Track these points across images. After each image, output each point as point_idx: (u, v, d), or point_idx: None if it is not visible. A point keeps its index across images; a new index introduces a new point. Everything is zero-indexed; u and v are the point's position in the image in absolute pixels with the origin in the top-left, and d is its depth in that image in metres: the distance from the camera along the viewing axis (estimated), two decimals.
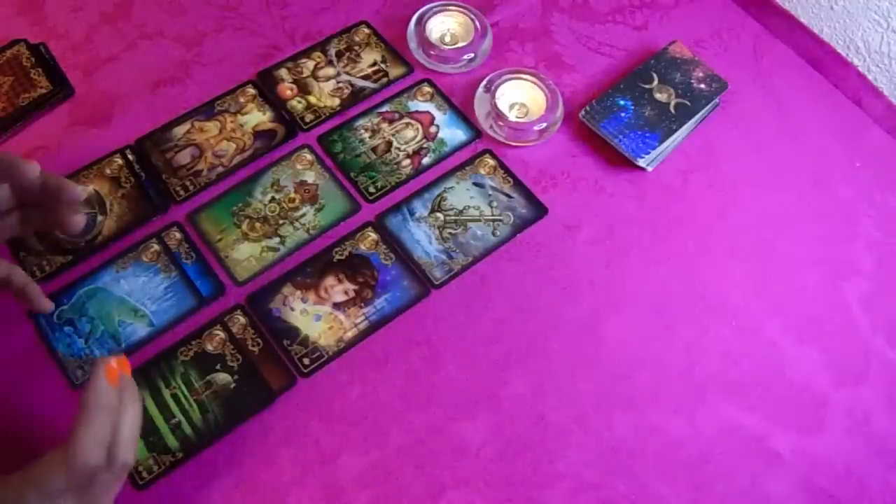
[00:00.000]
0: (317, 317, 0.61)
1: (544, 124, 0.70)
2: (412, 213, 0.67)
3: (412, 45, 0.75)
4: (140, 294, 0.61)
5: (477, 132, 0.71)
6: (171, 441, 0.55)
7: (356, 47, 0.76)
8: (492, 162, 0.70)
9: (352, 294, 0.62)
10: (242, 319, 0.60)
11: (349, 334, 0.61)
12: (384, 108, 0.72)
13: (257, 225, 0.65)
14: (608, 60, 0.78)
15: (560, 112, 0.71)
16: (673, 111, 0.71)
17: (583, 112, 0.71)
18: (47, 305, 0.58)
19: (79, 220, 0.52)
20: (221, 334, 0.60)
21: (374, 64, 0.75)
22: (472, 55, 0.75)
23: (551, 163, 0.71)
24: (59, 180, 0.50)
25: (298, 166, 0.68)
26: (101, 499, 0.43)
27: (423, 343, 0.61)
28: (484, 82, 0.72)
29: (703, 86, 0.73)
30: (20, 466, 0.42)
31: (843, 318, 0.65)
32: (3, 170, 0.49)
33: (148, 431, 0.56)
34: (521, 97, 0.72)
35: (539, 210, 0.67)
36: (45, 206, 0.52)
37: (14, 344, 0.59)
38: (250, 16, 0.78)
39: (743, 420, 0.59)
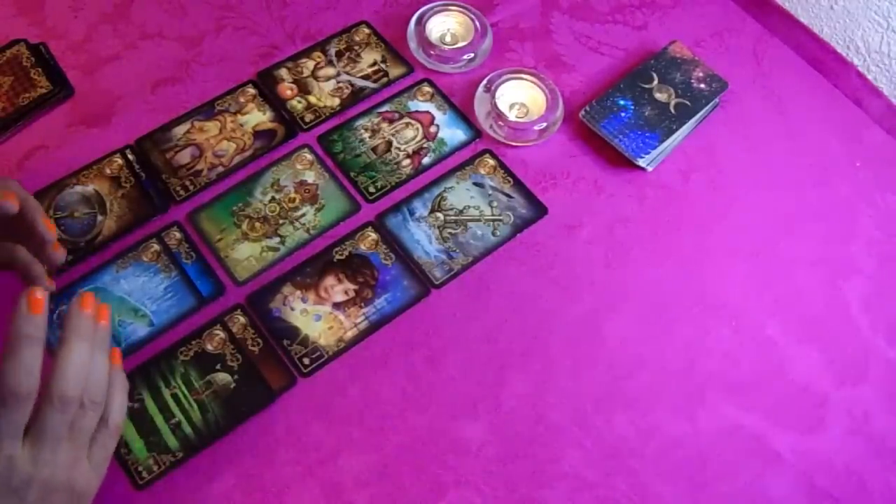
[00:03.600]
0: (317, 317, 0.61)
1: (544, 124, 0.70)
2: (412, 213, 0.67)
3: (412, 45, 0.75)
4: (140, 294, 0.61)
5: (477, 132, 0.71)
6: (171, 441, 0.55)
7: (356, 47, 0.76)
8: (492, 162, 0.70)
9: (352, 294, 0.62)
10: (242, 319, 0.60)
11: (349, 334, 0.61)
12: (384, 108, 0.72)
13: (257, 225, 0.65)
14: (608, 60, 0.78)
15: (560, 112, 0.71)
16: (673, 111, 0.71)
17: (583, 112, 0.71)
18: (51, 286, 0.56)
19: (59, 256, 0.53)
20: (221, 334, 0.60)
21: (374, 64, 0.75)
22: (472, 55, 0.75)
23: (551, 163, 0.71)
24: (34, 216, 0.50)
25: (298, 166, 0.68)
26: (61, 443, 0.43)
27: (423, 343, 0.61)
28: (484, 82, 0.72)
29: (703, 86, 0.73)
30: None
31: (843, 317, 0.65)
32: None
33: (148, 431, 0.56)
34: (521, 97, 0.73)
35: (539, 210, 0.67)
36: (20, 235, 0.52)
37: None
38: (250, 16, 0.78)
39: (743, 420, 0.59)
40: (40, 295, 0.42)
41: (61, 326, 0.44)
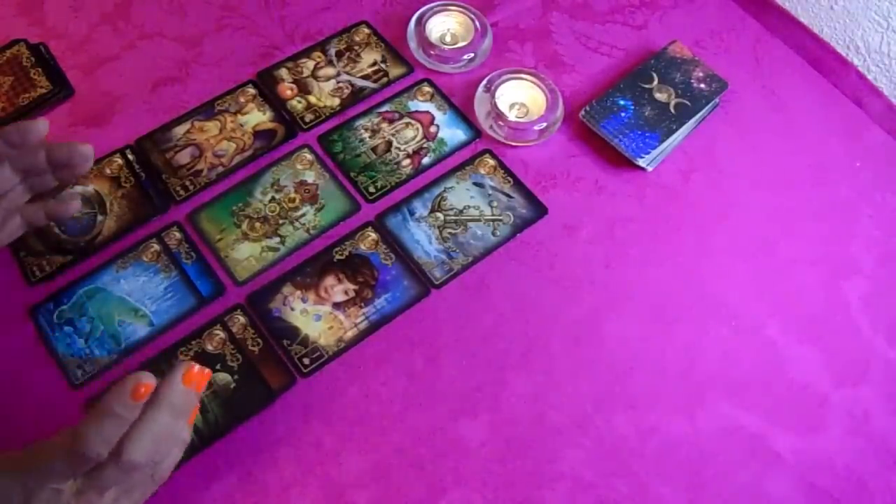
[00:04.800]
0: (317, 317, 0.61)
1: (544, 124, 0.70)
2: (412, 213, 0.67)
3: (412, 45, 0.75)
4: (140, 294, 0.61)
5: (477, 132, 0.71)
6: None
7: (356, 47, 0.76)
8: (492, 162, 0.70)
9: (352, 294, 0.62)
10: (242, 319, 0.60)
11: (349, 334, 0.61)
12: (384, 108, 0.72)
13: (257, 225, 0.65)
14: (608, 60, 0.78)
15: (560, 112, 0.71)
16: (673, 111, 0.71)
17: (583, 112, 0.71)
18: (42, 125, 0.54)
19: (76, 205, 0.55)
20: (221, 334, 0.60)
21: (374, 64, 0.75)
22: (472, 55, 0.75)
23: (551, 163, 0.71)
24: (66, 145, 0.52)
25: (298, 166, 0.68)
26: (109, 488, 0.42)
27: (423, 343, 0.61)
28: (484, 82, 0.72)
29: (703, 86, 0.73)
30: None
31: (843, 317, 0.65)
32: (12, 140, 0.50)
33: None
34: (521, 97, 0.72)
35: (539, 210, 0.67)
36: (48, 189, 0.53)
37: (14, 343, 0.59)
38: (250, 16, 0.78)
39: (743, 420, 0.59)
40: (146, 386, 0.41)
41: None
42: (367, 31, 0.77)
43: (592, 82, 0.76)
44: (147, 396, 0.41)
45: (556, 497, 0.55)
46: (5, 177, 0.52)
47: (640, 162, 0.69)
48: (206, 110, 0.71)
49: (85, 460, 0.40)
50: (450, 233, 0.66)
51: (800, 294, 0.65)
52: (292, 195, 0.67)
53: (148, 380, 0.41)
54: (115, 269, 0.62)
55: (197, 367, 0.42)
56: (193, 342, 0.59)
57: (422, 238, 0.65)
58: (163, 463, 0.44)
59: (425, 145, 0.70)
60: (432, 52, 0.74)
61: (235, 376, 0.58)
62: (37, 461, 0.41)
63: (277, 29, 0.77)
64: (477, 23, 0.75)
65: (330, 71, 0.74)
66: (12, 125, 0.51)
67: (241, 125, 0.70)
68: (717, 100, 0.73)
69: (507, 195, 0.68)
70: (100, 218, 0.64)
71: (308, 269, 0.63)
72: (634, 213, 0.68)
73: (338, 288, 0.63)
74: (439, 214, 0.67)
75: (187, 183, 0.67)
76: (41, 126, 0.51)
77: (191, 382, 0.42)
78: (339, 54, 0.75)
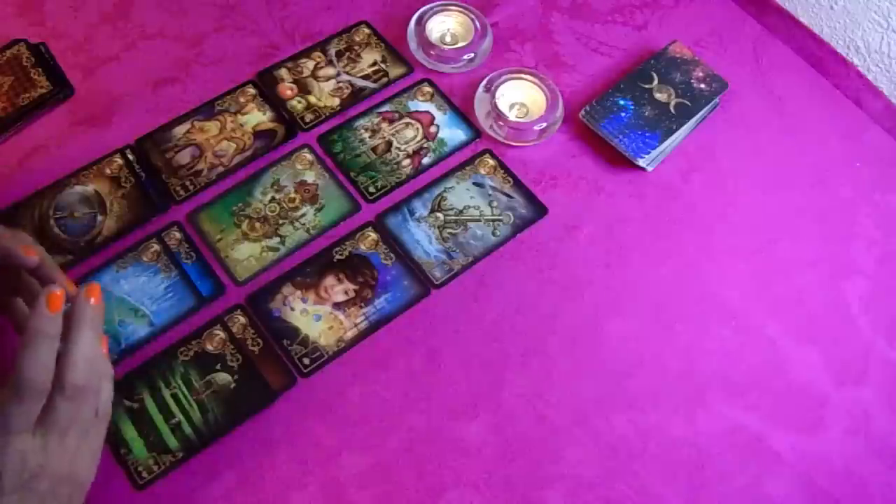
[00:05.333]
0: (317, 317, 0.61)
1: (544, 124, 0.70)
2: (412, 213, 0.67)
3: (412, 45, 0.75)
4: (140, 294, 0.61)
5: (477, 132, 0.71)
6: (171, 441, 0.55)
7: (356, 47, 0.76)
8: (492, 162, 0.70)
9: (352, 294, 0.62)
10: (242, 319, 0.60)
11: (349, 334, 0.61)
12: (384, 108, 0.72)
13: (257, 225, 0.65)
14: (608, 60, 0.78)
15: (560, 112, 0.71)
16: (673, 111, 0.71)
17: (583, 112, 0.71)
18: (32, 262, 0.51)
19: (33, 258, 0.49)
20: (221, 334, 0.60)
21: (374, 64, 0.75)
22: (472, 55, 0.75)
23: (551, 163, 0.71)
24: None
25: (298, 166, 0.68)
26: (67, 433, 0.44)
27: (423, 343, 0.61)
28: (484, 82, 0.72)
29: (703, 86, 0.73)
30: None
31: (843, 318, 0.65)
32: None
33: (148, 431, 0.56)
34: (521, 97, 0.72)
35: (539, 210, 0.67)
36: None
37: (14, 343, 0.59)
38: (250, 16, 0.78)
39: (743, 420, 0.59)
40: (59, 293, 0.43)
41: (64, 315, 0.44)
42: (367, 31, 0.77)
43: (592, 82, 0.76)
44: (62, 305, 0.43)
45: (556, 497, 0.55)
46: None
47: (640, 162, 0.69)
48: (206, 110, 0.71)
49: (32, 392, 0.41)
50: (450, 233, 0.66)
51: (800, 294, 0.65)
52: (292, 195, 0.67)
53: (55, 289, 0.43)
54: (115, 269, 0.62)
55: (56, 288, 0.44)
56: (193, 342, 0.59)
57: (422, 238, 0.65)
58: (101, 395, 0.46)
59: (425, 145, 0.70)
60: (432, 52, 0.74)
61: (235, 376, 0.58)
62: None
63: (277, 29, 0.77)
64: (477, 23, 0.75)
65: (330, 71, 0.74)
66: (12, 242, 0.48)
67: (241, 125, 0.70)
68: (717, 100, 0.73)
69: (507, 195, 0.68)
70: (100, 218, 0.64)
71: (308, 270, 0.63)
72: (634, 213, 0.68)
73: (338, 288, 0.63)
74: (439, 214, 0.67)
75: (187, 183, 0.67)
76: (29, 262, 0.48)
77: (91, 295, 0.45)
78: (339, 54, 0.75)
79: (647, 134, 0.70)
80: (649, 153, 0.69)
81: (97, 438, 0.47)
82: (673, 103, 0.72)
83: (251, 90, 0.72)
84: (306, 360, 0.59)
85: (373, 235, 0.65)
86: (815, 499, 0.57)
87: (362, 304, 0.62)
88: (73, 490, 0.45)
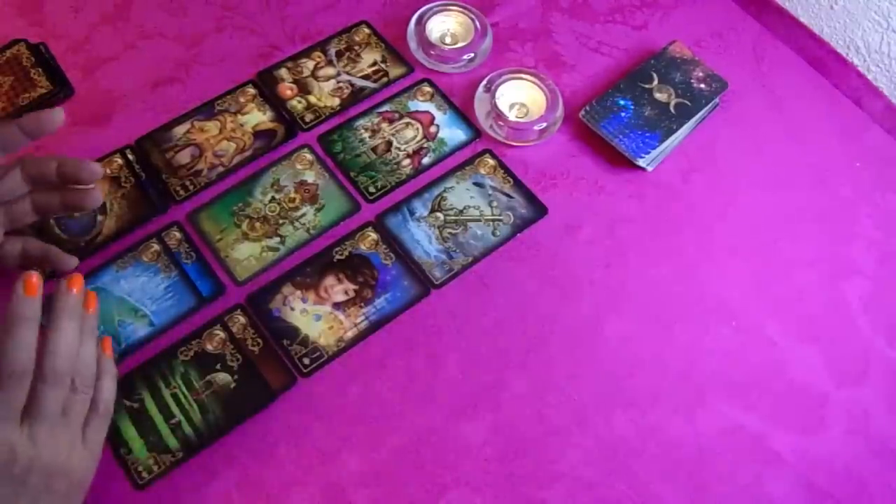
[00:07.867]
0: (317, 317, 0.61)
1: (544, 124, 0.70)
2: (412, 213, 0.67)
3: (412, 45, 0.75)
4: (140, 294, 0.61)
5: (477, 132, 0.71)
6: (171, 441, 0.55)
7: (356, 47, 0.76)
8: (492, 162, 0.70)
9: (352, 294, 0.62)
10: (242, 319, 0.60)
11: (349, 334, 0.61)
12: (384, 108, 0.72)
13: (257, 225, 0.65)
14: (608, 60, 0.78)
15: (560, 112, 0.71)
16: (673, 111, 0.71)
17: (583, 112, 0.71)
18: (73, 262, 0.58)
19: (97, 195, 0.54)
20: (221, 334, 0.60)
21: (374, 64, 0.75)
22: (472, 55, 0.75)
23: (551, 163, 0.71)
24: (75, 162, 0.52)
25: (298, 166, 0.68)
26: (58, 425, 0.44)
27: (423, 343, 0.61)
28: (484, 82, 0.72)
29: (703, 86, 0.73)
30: None
31: (843, 318, 0.65)
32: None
33: (148, 431, 0.56)
34: (521, 97, 0.72)
35: (539, 210, 0.67)
36: (61, 188, 0.53)
37: None
38: (250, 16, 0.78)
39: (743, 420, 0.59)
40: (35, 278, 0.43)
41: (49, 308, 0.45)
42: (367, 31, 0.77)
43: (592, 82, 0.76)
44: (39, 287, 0.44)
45: (556, 497, 0.55)
46: (16, 182, 0.52)
47: (640, 162, 0.69)
48: (206, 110, 0.71)
49: (12, 377, 0.42)
50: (450, 233, 0.66)
51: (800, 294, 0.65)
52: (292, 195, 0.67)
53: (31, 274, 0.44)
54: (115, 269, 0.62)
55: (33, 274, 0.44)
56: (193, 342, 0.59)
57: (422, 238, 0.65)
58: (101, 391, 0.48)
59: (425, 145, 0.70)
60: (432, 52, 0.74)
61: (235, 376, 0.58)
62: None
63: (277, 29, 0.77)
64: (477, 23, 0.75)
65: (330, 71, 0.74)
66: (30, 114, 0.51)
67: (241, 125, 0.70)
68: (717, 100, 0.73)
69: (507, 195, 0.68)
70: (100, 218, 0.64)
71: (308, 269, 0.63)
72: (634, 213, 0.68)
73: (338, 288, 0.63)
74: (439, 214, 0.67)
75: (187, 183, 0.67)
76: (57, 116, 0.51)
77: (75, 286, 0.46)
78: (339, 54, 0.75)
79: (647, 134, 0.70)
80: (649, 153, 0.69)
81: (97, 435, 0.47)
82: (673, 103, 0.72)
83: (251, 90, 0.72)
84: (306, 360, 0.59)
85: (373, 235, 0.65)
86: (815, 499, 0.57)
87: (362, 304, 0.62)
88: (70, 486, 0.45)
